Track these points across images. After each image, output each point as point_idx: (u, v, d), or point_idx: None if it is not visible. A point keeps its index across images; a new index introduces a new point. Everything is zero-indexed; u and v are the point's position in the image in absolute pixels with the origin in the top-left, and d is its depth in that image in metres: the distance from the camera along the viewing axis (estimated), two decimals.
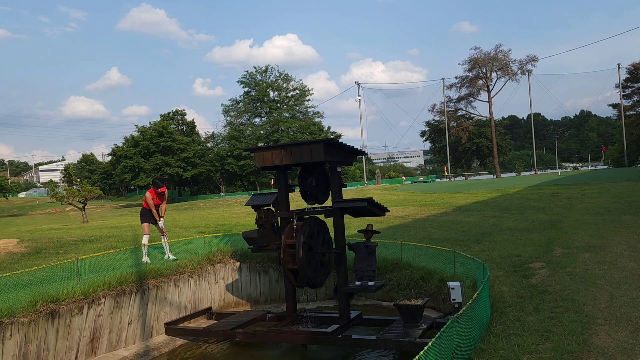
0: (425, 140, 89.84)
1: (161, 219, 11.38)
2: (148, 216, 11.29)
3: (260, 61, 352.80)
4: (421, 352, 4.45)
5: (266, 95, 77.77)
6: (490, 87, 74.00)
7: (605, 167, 78.95)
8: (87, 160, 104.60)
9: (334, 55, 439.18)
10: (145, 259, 10.93)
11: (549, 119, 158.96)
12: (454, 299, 7.80)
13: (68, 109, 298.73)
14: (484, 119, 77.49)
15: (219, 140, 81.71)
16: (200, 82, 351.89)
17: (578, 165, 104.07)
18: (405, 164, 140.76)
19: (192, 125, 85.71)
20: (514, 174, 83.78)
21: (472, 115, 79.53)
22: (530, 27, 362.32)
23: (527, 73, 71.66)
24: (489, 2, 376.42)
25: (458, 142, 79.84)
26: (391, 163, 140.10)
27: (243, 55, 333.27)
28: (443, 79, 75.10)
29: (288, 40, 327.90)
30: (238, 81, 79.83)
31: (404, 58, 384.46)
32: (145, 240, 11.18)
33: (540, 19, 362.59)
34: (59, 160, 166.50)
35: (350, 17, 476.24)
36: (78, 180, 32.13)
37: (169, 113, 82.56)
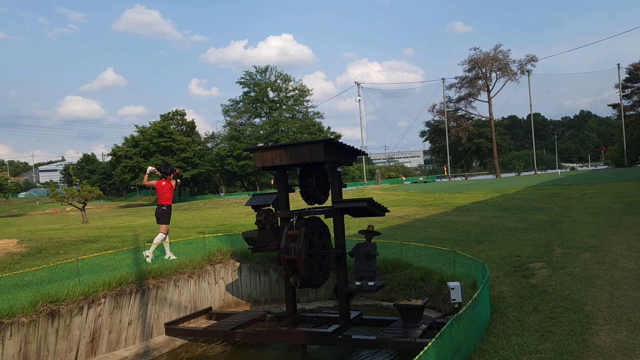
0: (425, 140, 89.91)
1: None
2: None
3: (255, 62, 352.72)
4: (421, 353, 4.45)
5: (266, 96, 77.80)
6: (490, 87, 74.01)
7: (605, 167, 78.93)
8: (88, 160, 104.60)
9: (330, 56, 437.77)
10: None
11: (548, 119, 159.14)
12: (454, 299, 7.79)
13: (64, 109, 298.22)
14: (484, 119, 77.51)
15: (219, 141, 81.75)
16: (196, 83, 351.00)
17: (575, 165, 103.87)
18: (405, 164, 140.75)
19: (192, 125, 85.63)
20: (514, 174, 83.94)
21: (472, 116, 79.60)
22: (525, 27, 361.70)
23: (527, 73, 71.77)
24: (482, 2, 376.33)
25: (458, 142, 79.80)
26: (391, 163, 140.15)
27: (237, 56, 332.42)
28: (443, 79, 75.22)
29: (283, 40, 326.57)
30: (237, 82, 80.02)
31: (400, 58, 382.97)
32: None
33: (533, 19, 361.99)
34: (59, 161, 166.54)
35: (344, 17, 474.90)
36: (78, 180, 32.04)
37: (169, 113, 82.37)
